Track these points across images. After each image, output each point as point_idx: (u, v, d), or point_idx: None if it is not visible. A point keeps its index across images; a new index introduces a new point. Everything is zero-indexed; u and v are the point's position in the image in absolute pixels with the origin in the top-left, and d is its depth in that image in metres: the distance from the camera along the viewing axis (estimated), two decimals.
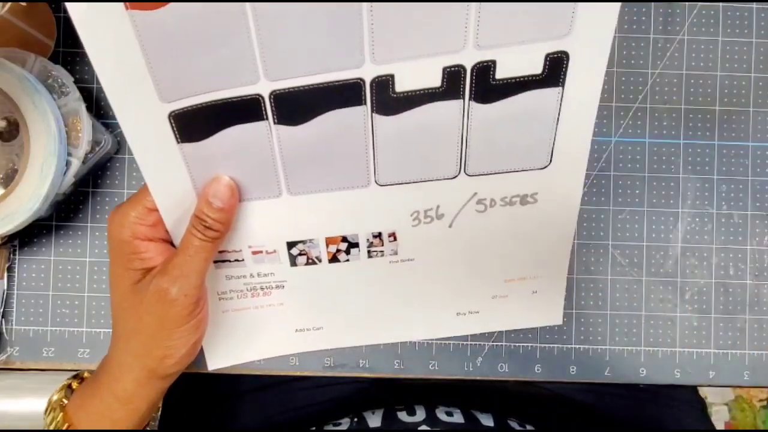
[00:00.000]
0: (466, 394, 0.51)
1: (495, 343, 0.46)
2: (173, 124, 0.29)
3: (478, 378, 0.45)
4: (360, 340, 0.39)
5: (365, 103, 0.29)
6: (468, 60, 0.28)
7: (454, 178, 0.33)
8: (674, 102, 0.46)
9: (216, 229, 0.32)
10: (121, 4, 0.24)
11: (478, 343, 0.46)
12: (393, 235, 0.34)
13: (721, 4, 0.45)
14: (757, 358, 0.45)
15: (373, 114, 0.30)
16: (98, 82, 0.44)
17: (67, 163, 0.38)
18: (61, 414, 0.35)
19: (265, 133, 0.30)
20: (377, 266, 0.36)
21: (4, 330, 0.44)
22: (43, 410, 0.37)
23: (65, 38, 0.44)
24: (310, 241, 0.34)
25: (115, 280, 0.33)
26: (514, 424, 0.43)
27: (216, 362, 0.38)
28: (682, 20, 0.46)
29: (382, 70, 0.28)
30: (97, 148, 0.41)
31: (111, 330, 0.45)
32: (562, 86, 0.29)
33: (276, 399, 0.51)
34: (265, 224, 0.34)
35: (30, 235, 0.44)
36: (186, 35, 0.26)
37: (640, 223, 0.46)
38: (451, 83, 0.29)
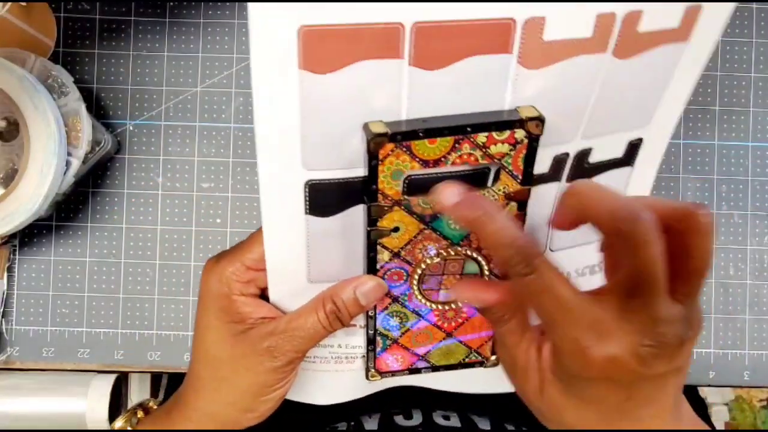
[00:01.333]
0: (462, 397, 0.51)
1: None
2: (307, 193, 0.28)
3: None
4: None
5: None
6: (573, 148, 0.30)
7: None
8: None
9: (342, 321, 0.31)
10: (295, 60, 0.24)
11: None
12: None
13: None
14: (757, 358, 0.45)
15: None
16: (98, 82, 0.44)
17: (67, 163, 0.38)
18: None
19: (360, 217, 0.30)
20: None
21: (4, 330, 0.44)
22: None
23: (65, 38, 0.44)
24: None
25: (208, 327, 0.33)
26: (511, 427, 0.43)
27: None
28: None
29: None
30: (97, 148, 0.41)
31: (110, 331, 0.45)
32: (632, 166, 0.32)
33: None
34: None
35: (30, 235, 0.44)
36: (339, 105, 0.26)
37: None
38: (557, 169, 0.31)
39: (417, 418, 0.42)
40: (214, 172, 0.45)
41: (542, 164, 0.30)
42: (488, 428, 0.42)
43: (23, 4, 0.39)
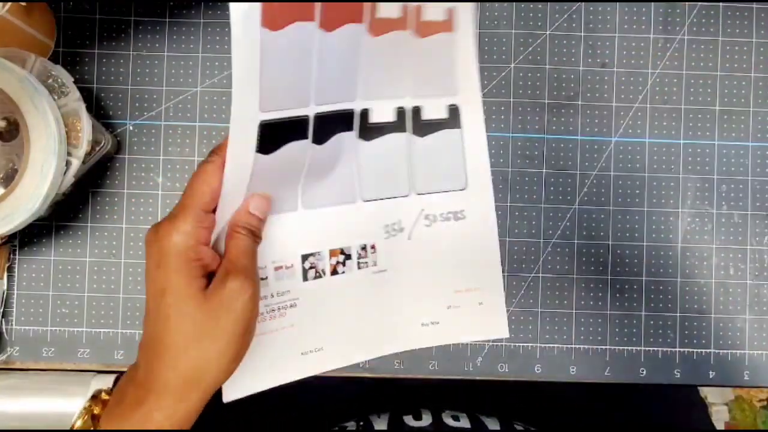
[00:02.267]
0: (471, 396, 0.51)
1: (495, 343, 0.46)
2: (259, 133, 0.33)
3: (478, 378, 0.45)
4: (354, 358, 0.42)
5: (354, 129, 0.39)
6: (408, 104, 0.40)
7: (407, 196, 0.41)
8: (674, 102, 0.46)
9: (258, 236, 0.35)
10: (259, 20, 0.30)
11: (477, 343, 0.46)
12: (374, 247, 0.41)
13: (721, 4, 0.45)
14: (757, 358, 0.45)
15: (359, 138, 0.39)
16: (98, 82, 0.45)
17: (67, 163, 0.38)
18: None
19: (304, 150, 0.36)
20: (364, 277, 0.41)
21: (4, 330, 0.44)
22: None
23: (65, 38, 0.44)
24: (318, 253, 0.40)
25: (175, 290, 0.31)
26: (520, 427, 0.44)
27: (230, 394, 0.38)
28: (682, 20, 0.46)
29: (365, 105, 0.39)
30: (97, 148, 0.41)
31: (110, 331, 0.45)
32: (461, 128, 0.41)
33: (280, 401, 0.51)
34: (286, 238, 0.38)
35: (30, 235, 0.44)
36: (284, 57, 0.32)
37: (640, 223, 0.46)
38: (399, 120, 0.40)
39: (426, 419, 0.42)
40: None
41: (389, 113, 0.39)
42: (497, 428, 0.42)
43: (23, 4, 0.39)
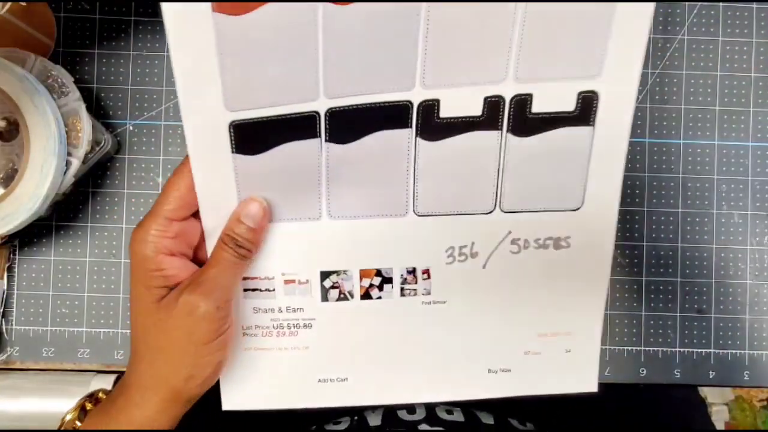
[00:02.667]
0: None
1: None
2: (232, 134, 0.29)
3: None
4: (385, 397, 0.37)
5: (411, 126, 0.30)
6: (508, 91, 0.29)
7: (489, 213, 0.33)
8: (674, 102, 0.46)
9: (247, 248, 0.32)
10: (208, 5, 0.25)
11: None
12: (427, 272, 0.34)
13: (721, 4, 0.45)
14: (757, 358, 0.45)
15: (417, 138, 0.31)
16: (98, 82, 0.44)
17: (67, 163, 0.38)
18: None
19: (316, 150, 0.30)
20: (409, 307, 0.34)
21: (4, 330, 0.44)
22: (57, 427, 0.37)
23: (65, 38, 0.44)
24: (345, 272, 0.34)
25: (136, 298, 0.32)
26: (515, 422, 0.43)
27: (231, 402, 0.36)
28: (682, 20, 0.46)
29: (430, 95, 0.29)
30: (97, 148, 0.41)
31: (110, 331, 0.45)
32: (593, 125, 0.31)
33: None
34: (302, 249, 0.33)
35: (30, 235, 0.44)
36: (260, 45, 0.27)
37: (640, 223, 0.46)
38: (491, 113, 0.30)
39: (420, 413, 0.42)
40: None
41: (473, 105, 0.30)
42: (491, 423, 0.42)
43: (23, 4, 0.39)
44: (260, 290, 0.34)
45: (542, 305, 0.35)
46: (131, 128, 0.45)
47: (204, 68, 0.27)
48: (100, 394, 0.39)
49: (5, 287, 0.44)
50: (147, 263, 0.31)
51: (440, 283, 0.34)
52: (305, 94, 0.29)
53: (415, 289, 0.34)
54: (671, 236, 0.46)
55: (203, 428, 0.47)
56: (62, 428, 0.36)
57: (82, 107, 0.39)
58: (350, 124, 0.30)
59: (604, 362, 0.45)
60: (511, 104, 0.30)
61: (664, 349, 0.45)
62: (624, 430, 0.52)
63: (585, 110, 0.30)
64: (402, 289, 0.34)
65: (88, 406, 0.38)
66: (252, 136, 0.29)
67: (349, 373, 0.36)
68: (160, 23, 0.45)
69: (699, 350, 0.45)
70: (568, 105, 0.30)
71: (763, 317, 0.46)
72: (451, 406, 0.44)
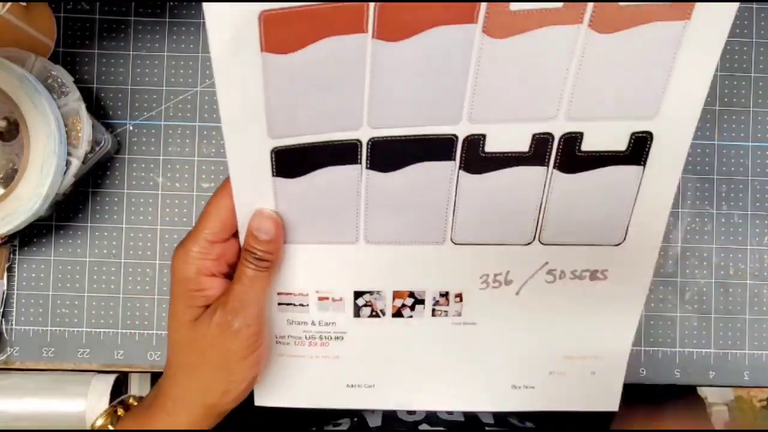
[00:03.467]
0: None
1: None
2: (273, 159, 0.29)
3: None
4: (410, 403, 0.38)
5: (455, 159, 0.30)
6: (558, 129, 0.29)
7: (527, 244, 0.33)
8: None
9: (267, 260, 0.32)
10: (257, 45, 0.25)
11: None
12: (459, 296, 0.35)
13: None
14: (757, 358, 0.45)
15: (460, 171, 0.31)
16: (98, 82, 0.44)
17: (67, 163, 0.38)
18: None
19: (355, 176, 0.31)
20: (439, 326, 0.35)
21: (4, 330, 0.44)
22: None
23: (65, 38, 0.44)
24: (378, 293, 0.35)
25: (175, 316, 0.33)
26: (514, 421, 0.43)
27: (263, 399, 0.38)
28: None
29: (476, 130, 0.29)
30: (97, 148, 0.41)
31: (110, 331, 0.45)
32: (644, 165, 0.30)
33: None
34: (337, 270, 0.34)
35: (30, 235, 0.44)
36: (306, 80, 0.27)
37: None
38: (539, 150, 0.30)
39: (420, 413, 0.42)
40: (214, 172, 0.45)
41: (520, 141, 0.29)
42: (491, 422, 0.42)
43: (23, 4, 0.39)
44: (294, 305, 0.35)
45: (572, 331, 0.35)
46: (131, 128, 0.45)
47: (250, 104, 0.27)
48: (131, 401, 0.40)
49: (5, 287, 0.44)
50: (188, 284, 0.32)
51: (471, 306, 0.35)
52: (348, 123, 0.29)
53: (446, 311, 0.35)
54: (671, 236, 0.46)
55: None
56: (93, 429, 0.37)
57: (82, 107, 0.39)
58: (392, 154, 0.30)
59: None
60: (560, 142, 0.30)
61: (664, 349, 0.45)
62: (624, 430, 0.52)
63: (637, 150, 0.30)
64: (433, 311, 0.35)
65: (120, 411, 0.38)
66: (293, 161, 0.30)
67: (376, 381, 0.37)
68: (161, 23, 0.45)
69: (699, 350, 0.45)
70: (620, 145, 0.30)
71: (763, 317, 0.46)
72: None
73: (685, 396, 0.54)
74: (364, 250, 0.33)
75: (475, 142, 0.30)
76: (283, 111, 0.28)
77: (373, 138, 0.29)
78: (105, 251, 0.45)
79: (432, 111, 0.29)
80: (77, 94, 0.39)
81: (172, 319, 0.33)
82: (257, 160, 0.30)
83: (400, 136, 0.29)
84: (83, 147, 0.39)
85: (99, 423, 0.37)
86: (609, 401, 0.37)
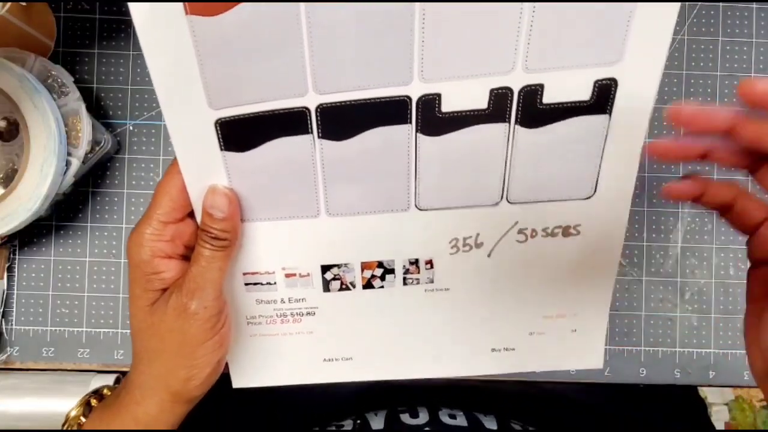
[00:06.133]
0: (468, 395, 0.51)
1: None
2: (219, 132, 0.28)
3: (477, 378, 0.45)
4: (390, 373, 0.37)
5: (410, 122, 0.29)
6: (516, 83, 0.28)
7: (495, 205, 0.32)
8: (674, 101, 0.46)
9: (222, 238, 0.31)
10: (181, 8, 0.25)
11: None
12: (430, 263, 0.34)
13: (721, 4, 0.45)
14: None
15: (418, 133, 0.29)
16: (98, 82, 0.44)
17: (67, 163, 0.38)
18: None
19: (308, 147, 0.29)
20: (412, 295, 0.35)
21: (4, 330, 0.44)
22: (60, 424, 0.37)
23: (65, 38, 0.44)
24: (345, 265, 0.34)
25: (133, 301, 0.33)
26: (518, 426, 0.43)
27: (240, 381, 0.37)
28: (682, 20, 0.46)
29: (430, 89, 0.28)
30: (97, 148, 0.41)
31: (110, 331, 0.45)
32: (610, 114, 0.29)
33: (277, 399, 0.51)
34: (301, 245, 0.33)
35: (30, 235, 0.44)
36: (241, 44, 0.26)
37: (640, 223, 0.46)
38: (498, 106, 0.29)
39: (423, 417, 0.42)
40: None
41: (478, 98, 0.28)
42: (494, 428, 0.42)
43: (23, 4, 0.39)
44: (261, 284, 0.34)
45: (548, 290, 0.35)
46: (131, 128, 0.45)
47: (183, 70, 0.26)
48: (105, 391, 0.39)
49: (5, 287, 0.44)
50: (144, 267, 0.32)
51: (443, 272, 0.34)
52: (293, 89, 0.28)
53: (418, 279, 0.34)
54: (671, 236, 0.46)
55: (207, 429, 0.47)
56: (67, 423, 0.36)
57: (82, 107, 0.39)
58: (344, 120, 0.29)
59: (604, 362, 0.45)
60: (519, 96, 0.28)
61: (664, 349, 0.45)
62: (624, 430, 0.52)
63: (601, 99, 0.28)
64: (404, 279, 0.34)
65: (93, 402, 0.38)
66: (240, 133, 0.29)
67: (353, 353, 0.36)
68: None
69: (699, 350, 0.45)
70: (583, 94, 0.28)
71: None
72: (454, 410, 0.44)
73: (685, 396, 0.54)
74: (327, 223, 0.32)
75: (429, 102, 0.28)
76: (220, 79, 0.27)
77: (322, 104, 0.28)
78: (105, 251, 0.45)
79: (381, 72, 0.27)
80: (77, 94, 0.39)
81: (131, 305, 0.33)
82: (201, 134, 0.28)
83: (350, 101, 0.28)
84: (83, 147, 0.39)
85: (73, 413, 0.37)
86: (592, 359, 0.36)
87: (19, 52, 0.39)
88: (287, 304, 0.35)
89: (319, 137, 0.29)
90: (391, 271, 0.34)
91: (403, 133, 0.29)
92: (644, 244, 0.46)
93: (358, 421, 0.43)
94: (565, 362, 0.37)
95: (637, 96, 0.28)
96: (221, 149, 0.29)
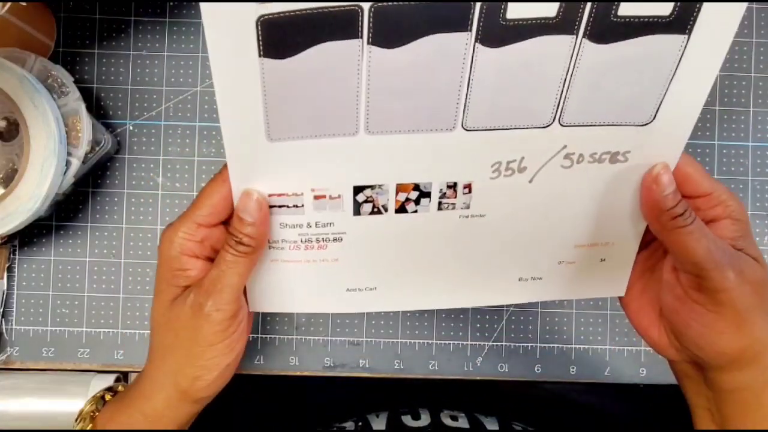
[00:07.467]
0: (469, 396, 0.51)
1: (495, 343, 0.46)
2: (260, 32, 0.25)
3: (478, 378, 0.45)
4: (415, 303, 0.36)
5: (470, 30, 0.26)
6: None
7: (546, 127, 0.29)
8: None
9: (247, 244, 0.31)
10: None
11: (478, 343, 0.46)
12: (468, 187, 0.31)
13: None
14: None
15: (477, 44, 0.26)
16: (98, 82, 0.44)
17: (67, 163, 0.38)
18: (90, 425, 0.35)
19: (355, 54, 0.26)
20: (445, 220, 0.33)
21: (4, 330, 0.44)
22: (73, 419, 0.37)
23: (65, 38, 0.44)
24: (380, 186, 0.31)
25: (157, 295, 0.33)
26: (519, 427, 0.44)
27: (257, 305, 0.35)
28: None
29: None
30: (97, 148, 0.41)
31: (110, 331, 0.45)
32: (689, 34, 0.27)
33: (279, 400, 0.51)
34: (334, 165, 0.30)
35: (30, 235, 0.44)
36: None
37: None
38: (568, 15, 0.26)
39: (425, 419, 0.42)
40: (213, 172, 0.45)
41: (546, 4, 0.26)
42: (496, 428, 0.42)
43: (23, 4, 0.39)
44: (288, 206, 0.32)
45: (585, 218, 0.33)
46: (131, 128, 0.45)
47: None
48: (120, 388, 0.39)
49: (5, 287, 0.44)
50: (171, 262, 0.32)
51: (481, 198, 0.32)
52: None
53: (453, 203, 0.32)
54: None
55: (209, 429, 0.47)
56: (80, 418, 0.37)
57: (82, 107, 0.39)
58: (398, 24, 0.26)
59: (604, 362, 0.45)
60: (593, 5, 0.26)
61: None
62: (624, 430, 0.52)
63: (683, 16, 0.26)
64: (440, 204, 0.32)
65: (108, 396, 0.38)
66: (281, 36, 0.26)
67: (378, 283, 0.35)
68: (161, 23, 0.45)
69: None
70: (664, 9, 0.26)
71: None
72: (455, 411, 0.44)
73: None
74: (365, 141, 0.29)
75: (494, 7, 0.25)
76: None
77: (376, 4, 0.25)
78: (105, 251, 0.45)
79: None
80: (77, 94, 0.39)
81: (155, 298, 0.33)
82: (241, 35, 0.25)
83: (408, 1, 0.25)
84: (83, 147, 0.39)
85: (87, 408, 0.37)
86: (616, 287, 0.36)
87: (19, 52, 0.39)
88: (313, 228, 0.33)
89: (368, 42, 0.26)
90: (427, 195, 0.32)
91: (461, 42, 0.26)
92: None
93: (360, 423, 0.43)
94: (589, 291, 0.36)
95: (724, 15, 0.26)
96: (260, 55, 0.26)
